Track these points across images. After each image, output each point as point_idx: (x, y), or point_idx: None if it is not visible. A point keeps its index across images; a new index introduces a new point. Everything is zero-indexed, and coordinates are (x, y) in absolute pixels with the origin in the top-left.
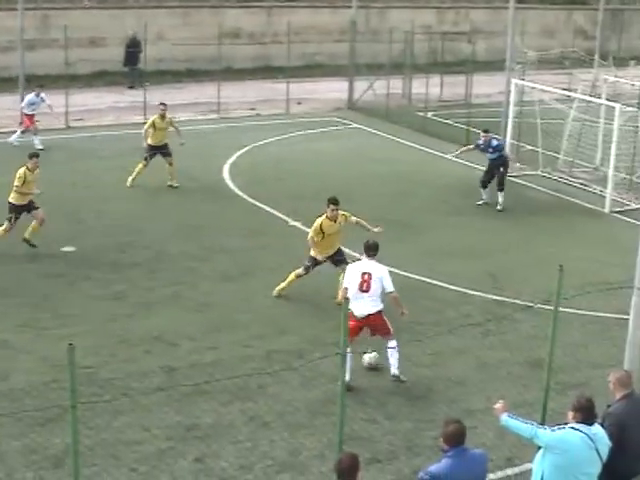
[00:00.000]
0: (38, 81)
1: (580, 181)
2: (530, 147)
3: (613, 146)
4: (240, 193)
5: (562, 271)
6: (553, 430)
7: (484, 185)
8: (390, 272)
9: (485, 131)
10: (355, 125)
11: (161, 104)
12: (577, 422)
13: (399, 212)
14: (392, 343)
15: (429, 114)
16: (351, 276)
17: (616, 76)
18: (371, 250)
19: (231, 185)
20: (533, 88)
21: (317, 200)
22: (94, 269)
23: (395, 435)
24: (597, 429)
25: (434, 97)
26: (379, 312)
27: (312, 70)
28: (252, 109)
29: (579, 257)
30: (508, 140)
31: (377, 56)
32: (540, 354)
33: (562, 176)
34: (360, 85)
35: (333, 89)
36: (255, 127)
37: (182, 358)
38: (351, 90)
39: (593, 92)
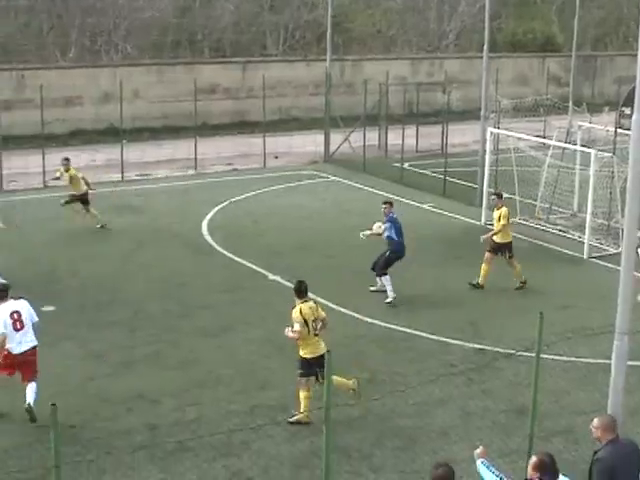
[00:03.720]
0: (15, 141)
1: (558, 227)
2: (507, 195)
3: (590, 192)
4: (219, 248)
5: (542, 318)
6: None
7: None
8: (372, 323)
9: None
10: (332, 178)
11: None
12: (539, 478)
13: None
14: (32, 386)
15: (406, 165)
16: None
17: (590, 122)
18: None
19: (210, 240)
20: (508, 136)
21: (296, 254)
22: (74, 328)
23: None
24: None
25: (410, 148)
26: (35, 348)
27: (288, 124)
28: (229, 164)
29: (559, 303)
30: (485, 189)
31: (352, 108)
32: (523, 402)
33: (540, 223)
34: (336, 138)
35: (309, 142)
36: (233, 182)
37: (165, 416)
38: (327, 143)
39: (568, 139)
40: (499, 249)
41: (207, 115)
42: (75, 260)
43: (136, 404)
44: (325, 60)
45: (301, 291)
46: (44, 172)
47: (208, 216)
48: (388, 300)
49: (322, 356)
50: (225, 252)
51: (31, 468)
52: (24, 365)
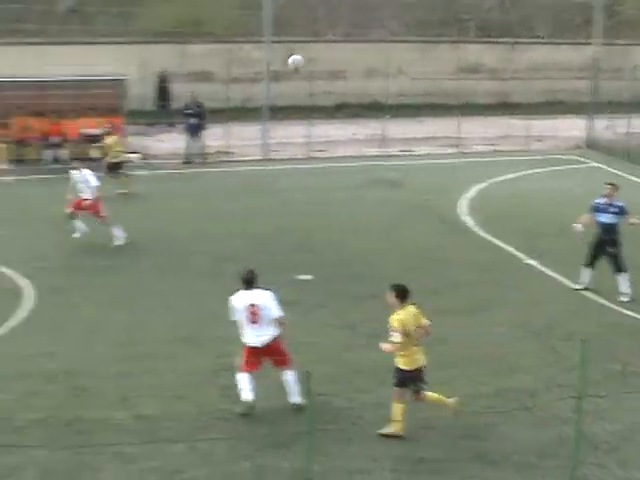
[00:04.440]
0: (282, 112)
1: None
2: None
3: None
4: (474, 228)
5: None
6: None
7: (591, 262)
8: (625, 314)
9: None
10: (594, 164)
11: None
12: None
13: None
14: (291, 379)
15: None
16: (238, 310)
17: None
18: (246, 283)
19: (466, 219)
20: None
21: (554, 240)
22: (329, 298)
23: None
24: None
25: None
26: (275, 339)
27: (552, 107)
28: (491, 145)
29: None
30: None
31: (618, 94)
32: None
33: None
34: (601, 124)
35: (573, 127)
36: (493, 163)
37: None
38: (591, 128)
39: None
40: None
41: (469, 94)
42: (330, 230)
43: (388, 377)
44: (592, 44)
45: (399, 291)
46: (308, 143)
47: (466, 195)
48: (624, 299)
49: (419, 369)
50: (480, 232)
51: (280, 433)
52: (266, 355)
